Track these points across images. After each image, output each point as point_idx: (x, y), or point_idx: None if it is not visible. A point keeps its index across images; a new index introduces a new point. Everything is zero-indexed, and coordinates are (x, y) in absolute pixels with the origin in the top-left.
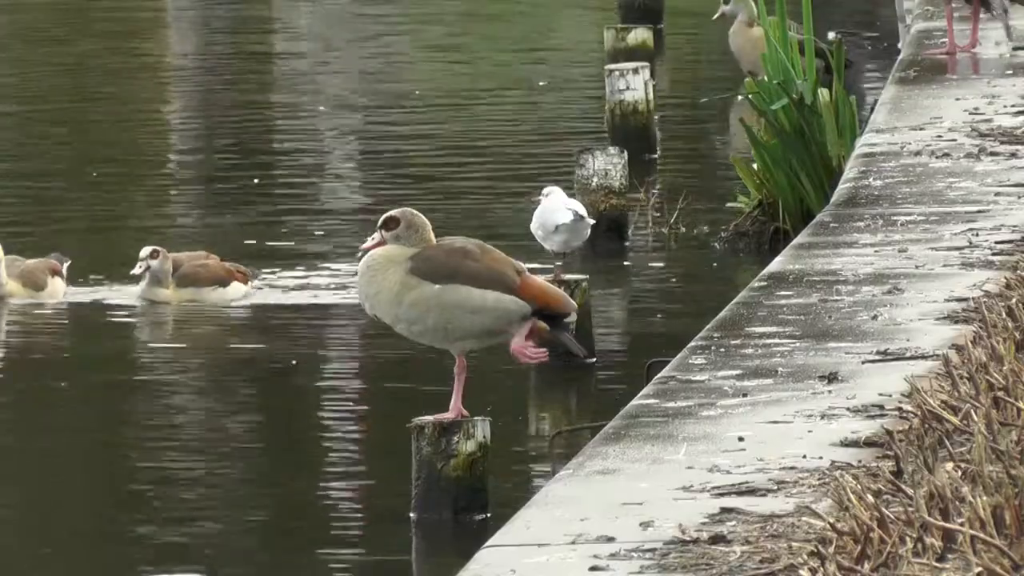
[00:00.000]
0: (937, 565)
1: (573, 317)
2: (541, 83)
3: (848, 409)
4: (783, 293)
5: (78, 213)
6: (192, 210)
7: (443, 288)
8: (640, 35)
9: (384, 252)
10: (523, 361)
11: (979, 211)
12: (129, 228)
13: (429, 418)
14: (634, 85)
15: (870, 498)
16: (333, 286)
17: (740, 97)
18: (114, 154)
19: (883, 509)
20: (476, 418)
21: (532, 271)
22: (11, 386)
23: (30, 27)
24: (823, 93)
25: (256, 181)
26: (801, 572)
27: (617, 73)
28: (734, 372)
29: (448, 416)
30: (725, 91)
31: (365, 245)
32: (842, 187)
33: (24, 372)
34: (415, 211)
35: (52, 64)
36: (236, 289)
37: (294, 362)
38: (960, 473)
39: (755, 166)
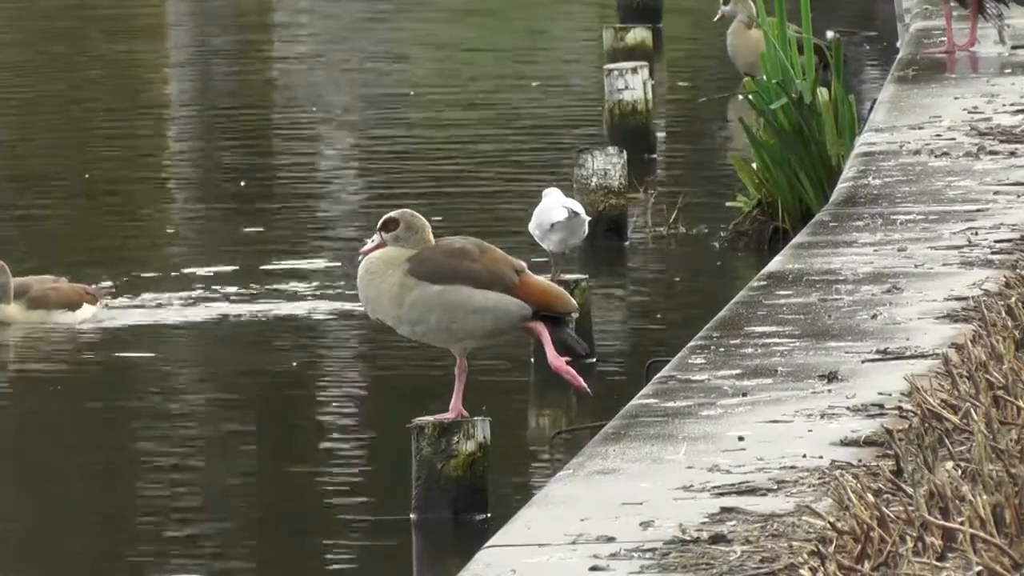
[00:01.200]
0: (937, 564)
1: (574, 315)
2: (534, 84)
3: (848, 408)
4: (782, 292)
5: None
6: (188, 212)
7: (444, 288)
8: (639, 35)
9: (382, 255)
10: (563, 375)
11: (978, 210)
12: (115, 234)
13: (429, 418)
14: (633, 85)
15: (870, 497)
16: (332, 287)
17: (740, 97)
18: (107, 154)
19: (883, 508)
20: (476, 418)
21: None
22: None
23: (28, 20)
24: (822, 92)
25: (243, 184)
26: (801, 571)
27: (616, 73)
28: (734, 372)
29: (448, 416)
30: (725, 91)
31: (365, 248)
32: (841, 186)
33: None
34: (414, 212)
35: (48, 59)
36: (85, 311)
37: (294, 364)
38: (960, 472)
39: (754, 166)
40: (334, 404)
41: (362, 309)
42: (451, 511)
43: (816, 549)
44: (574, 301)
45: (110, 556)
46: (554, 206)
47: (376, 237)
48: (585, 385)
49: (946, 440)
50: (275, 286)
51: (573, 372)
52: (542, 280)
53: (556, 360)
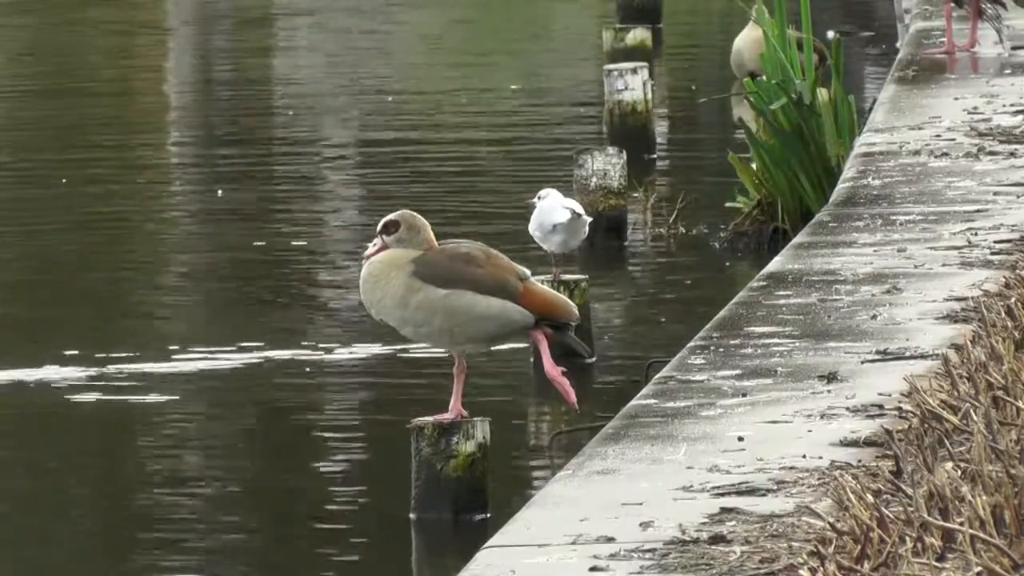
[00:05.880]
0: (937, 565)
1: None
2: (534, 83)
3: (847, 409)
4: (782, 293)
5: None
6: (188, 216)
7: (449, 293)
8: (639, 35)
9: (385, 257)
10: (556, 386)
11: (978, 210)
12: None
13: (429, 419)
14: (633, 85)
15: (870, 498)
16: (332, 287)
17: (740, 97)
18: (92, 152)
19: (883, 509)
20: (476, 418)
21: (531, 271)
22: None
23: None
24: (822, 93)
25: (219, 194)
26: (801, 572)
27: (616, 73)
28: (733, 372)
29: (448, 417)
30: (725, 91)
31: (368, 252)
32: (841, 187)
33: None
34: (414, 212)
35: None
36: None
37: (307, 369)
38: (960, 473)
39: (754, 166)
40: (334, 404)
41: (362, 314)
42: (451, 511)
43: (816, 550)
44: (576, 310)
45: (111, 555)
46: (555, 207)
47: (377, 240)
48: (575, 401)
49: (946, 441)
50: (275, 284)
51: (567, 385)
52: (545, 288)
53: (552, 370)
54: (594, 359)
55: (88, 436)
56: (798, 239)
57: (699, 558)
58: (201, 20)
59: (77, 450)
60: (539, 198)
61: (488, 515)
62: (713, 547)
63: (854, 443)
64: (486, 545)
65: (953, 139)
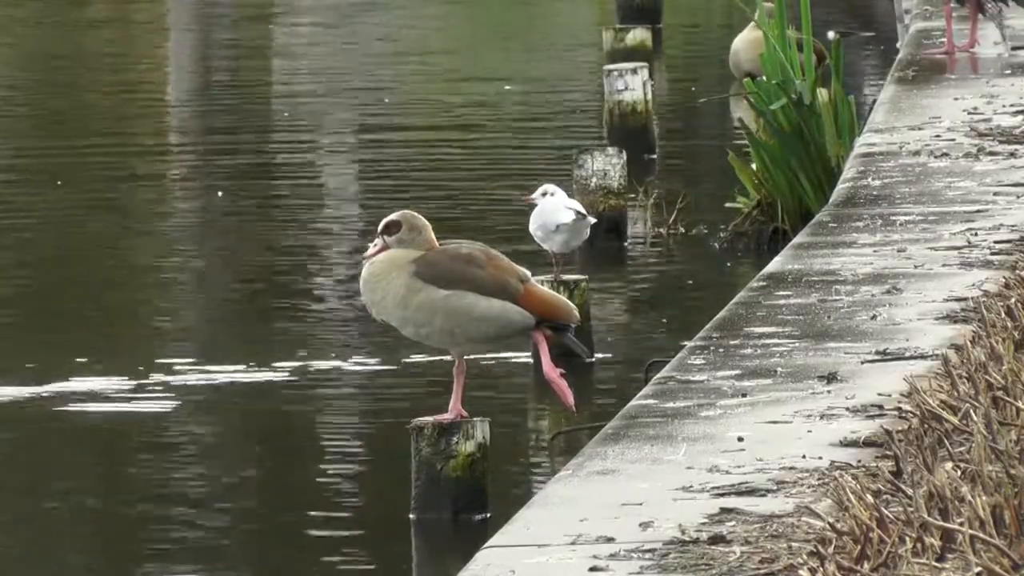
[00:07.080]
0: (937, 565)
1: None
2: (534, 84)
3: (847, 409)
4: (782, 293)
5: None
6: (187, 219)
7: (450, 294)
8: (639, 35)
9: (385, 258)
10: (554, 387)
11: (978, 211)
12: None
13: (428, 419)
14: (632, 85)
15: (869, 498)
16: (332, 289)
17: (739, 97)
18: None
19: (883, 509)
20: (475, 419)
21: (530, 270)
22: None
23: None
24: (822, 93)
25: (220, 194)
26: (801, 572)
27: (616, 73)
28: (733, 372)
29: (447, 417)
30: (724, 91)
31: (368, 253)
32: (841, 187)
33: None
34: (415, 213)
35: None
36: None
37: (308, 371)
38: (959, 473)
39: (754, 166)
40: (334, 404)
41: (363, 315)
42: (451, 511)
43: (815, 550)
44: (576, 312)
45: (109, 558)
46: (558, 207)
47: (378, 241)
48: (573, 403)
49: (945, 441)
50: (275, 285)
51: (565, 386)
52: (546, 290)
53: (551, 371)
54: (594, 359)
55: (86, 444)
56: (798, 239)
57: (699, 558)
58: (200, 18)
59: (76, 458)
60: (542, 194)
61: (488, 515)
62: (713, 547)
63: (854, 443)
64: (486, 545)
65: (953, 139)
